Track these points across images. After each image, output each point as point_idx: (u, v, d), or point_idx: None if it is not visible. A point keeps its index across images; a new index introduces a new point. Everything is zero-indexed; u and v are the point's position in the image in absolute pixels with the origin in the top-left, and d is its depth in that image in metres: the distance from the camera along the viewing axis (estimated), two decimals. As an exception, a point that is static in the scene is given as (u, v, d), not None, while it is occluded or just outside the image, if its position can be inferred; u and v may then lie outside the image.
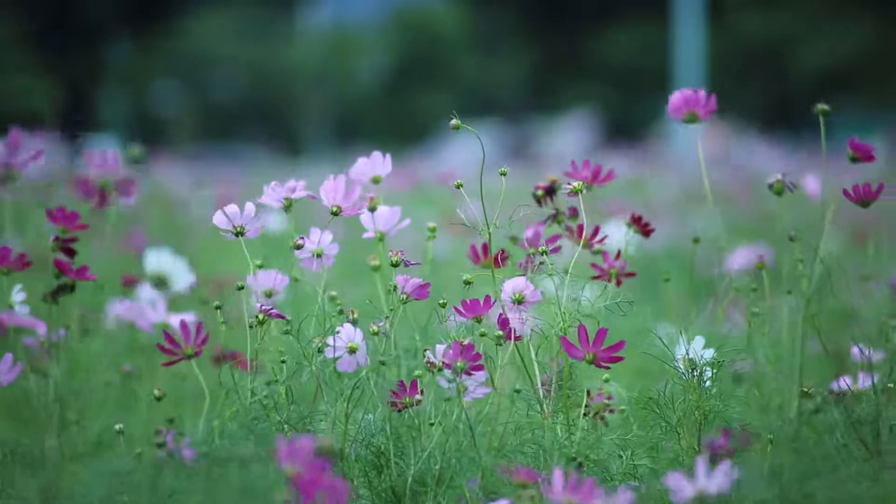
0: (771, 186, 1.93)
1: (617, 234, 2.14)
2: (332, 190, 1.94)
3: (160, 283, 2.90)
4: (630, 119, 22.72)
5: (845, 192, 1.90)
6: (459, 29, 27.36)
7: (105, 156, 2.04)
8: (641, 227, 2.10)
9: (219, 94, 27.37)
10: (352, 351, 1.87)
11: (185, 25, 27.17)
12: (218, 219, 1.90)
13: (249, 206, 1.90)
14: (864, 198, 1.91)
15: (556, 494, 1.61)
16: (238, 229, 1.90)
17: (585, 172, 1.99)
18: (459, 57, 27.27)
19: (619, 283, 2.05)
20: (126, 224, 5.55)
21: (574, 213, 2.11)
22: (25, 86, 23.45)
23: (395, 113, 26.57)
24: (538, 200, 2.10)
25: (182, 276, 2.91)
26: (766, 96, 25.60)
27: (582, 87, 27.10)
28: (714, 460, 1.71)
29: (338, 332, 1.86)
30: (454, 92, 26.28)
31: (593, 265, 2.07)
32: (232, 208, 1.90)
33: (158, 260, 2.91)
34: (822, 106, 1.89)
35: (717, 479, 1.62)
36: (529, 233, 2.06)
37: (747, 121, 15.99)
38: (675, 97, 1.99)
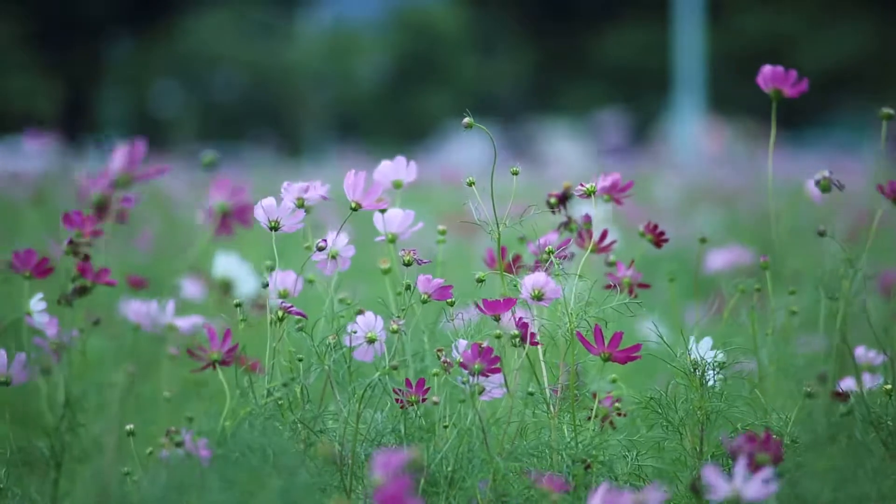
0: (818, 183, 1.96)
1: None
2: (353, 186, 1.92)
3: (226, 287, 2.89)
4: (630, 119, 22.69)
5: (879, 188, 1.92)
6: (459, 29, 27.34)
7: (130, 152, 2.00)
8: (656, 236, 2.10)
9: (219, 94, 27.36)
10: (370, 341, 1.87)
11: (185, 25, 27.17)
12: (256, 212, 1.89)
13: (287, 201, 1.89)
14: None
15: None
16: (273, 223, 1.90)
17: (605, 183, 2.00)
18: (459, 57, 27.26)
19: (631, 292, 2.05)
20: (126, 225, 5.51)
21: (588, 220, 2.10)
22: (26, 86, 23.45)
23: (395, 113, 26.57)
24: (552, 208, 2.09)
25: (248, 280, 2.90)
26: (767, 96, 25.55)
27: (582, 87, 27.09)
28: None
29: (356, 321, 1.85)
30: (454, 92, 26.27)
31: (609, 275, 2.07)
32: (268, 202, 1.90)
33: (226, 263, 2.89)
34: (886, 110, 1.92)
35: (755, 486, 1.57)
36: (542, 242, 2.05)
37: (748, 121, 15.98)
38: (766, 69, 2.03)
